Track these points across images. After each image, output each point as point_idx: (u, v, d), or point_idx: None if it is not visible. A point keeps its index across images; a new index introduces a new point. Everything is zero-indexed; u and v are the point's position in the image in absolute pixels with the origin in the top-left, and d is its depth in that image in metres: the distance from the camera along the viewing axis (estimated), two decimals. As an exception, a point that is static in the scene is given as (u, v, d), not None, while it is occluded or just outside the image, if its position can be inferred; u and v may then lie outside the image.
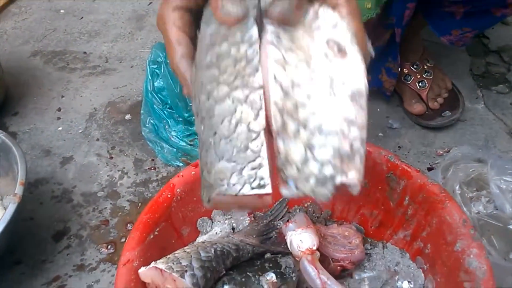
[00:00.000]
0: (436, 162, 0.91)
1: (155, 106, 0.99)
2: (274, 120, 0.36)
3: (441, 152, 0.93)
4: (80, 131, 1.03)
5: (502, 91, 1.05)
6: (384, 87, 0.98)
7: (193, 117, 0.98)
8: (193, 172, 0.69)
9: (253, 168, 0.35)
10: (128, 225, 0.83)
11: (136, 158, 0.96)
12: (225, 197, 0.36)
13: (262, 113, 0.36)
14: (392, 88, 0.98)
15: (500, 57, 1.13)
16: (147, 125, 0.99)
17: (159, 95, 0.99)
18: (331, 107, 0.36)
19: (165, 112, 0.99)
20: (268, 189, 0.35)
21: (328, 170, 0.35)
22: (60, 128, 1.04)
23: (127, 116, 1.05)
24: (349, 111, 0.36)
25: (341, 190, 0.36)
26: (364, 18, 0.77)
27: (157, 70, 1.00)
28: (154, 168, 0.94)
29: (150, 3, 1.41)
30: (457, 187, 0.80)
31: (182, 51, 0.42)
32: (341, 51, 0.38)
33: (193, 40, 0.43)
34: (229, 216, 0.72)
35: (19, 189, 0.72)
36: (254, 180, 0.35)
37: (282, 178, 0.36)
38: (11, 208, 0.69)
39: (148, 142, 0.97)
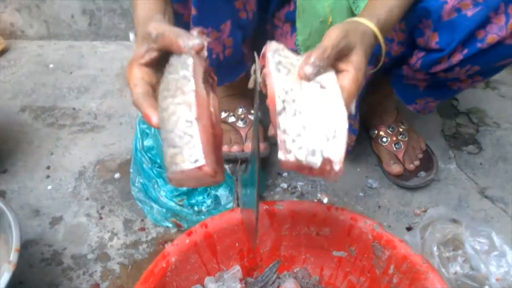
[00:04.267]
0: (414, 221, 0.96)
1: (144, 165, 1.01)
2: (277, 105, 0.51)
3: (418, 212, 0.98)
4: (70, 190, 1.05)
5: (472, 151, 1.13)
6: None
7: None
8: (187, 240, 0.71)
9: (190, 149, 0.48)
10: (120, 288, 0.85)
11: (126, 218, 0.99)
12: (176, 174, 0.49)
13: (194, 108, 0.50)
14: (353, 144, 1.02)
15: (469, 118, 1.22)
16: (136, 184, 1.01)
17: (148, 154, 1.02)
18: (319, 107, 0.52)
19: (154, 171, 1.01)
20: (202, 162, 0.47)
21: (317, 145, 0.49)
22: (49, 187, 1.05)
23: (116, 175, 1.08)
24: (332, 109, 0.52)
25: (326, 167, 0.49)
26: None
27: (147, 130, 1.03)
28: (144, 229, 0.96)
29: (138, 59, 1.46)
30: (435, 248, 0.85)
31: (139, 91, 0.56)
32: (323, 87, 0.54)
33: (153, 86, 0.58)
34: (221, 283, 0.75)
35: (14, 257, 0.72)
36: (191, 157, 0.48)
37: (284, 148, 0.49)
38: (6, 277, 0.70)
39: (137, 201, 1.00)
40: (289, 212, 0.76)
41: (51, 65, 1.47)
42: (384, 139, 1.06)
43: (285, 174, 1.07)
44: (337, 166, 0.49)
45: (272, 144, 1.13)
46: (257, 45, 0.98)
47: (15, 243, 0.75)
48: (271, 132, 0.56)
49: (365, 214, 0.98)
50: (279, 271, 0.80)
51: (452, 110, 1.24)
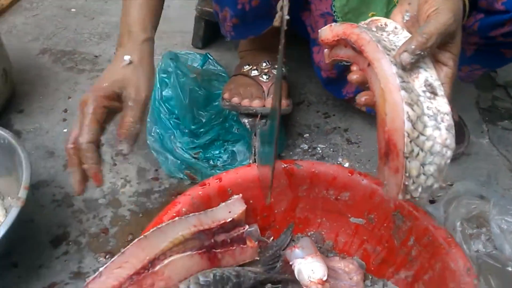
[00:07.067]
0: (438, 195, 0.91)
1: (162, 115, 0.99)
2: (406, 146, 0.47)
3: (443, 185, 0.93)
4: (85, 134, 1.03)
5: (507, 127, 1.06)
6: None
7: (199, 130, 0.98)
8: (200, 192, 0.69)
9: None
10: (129, 236, 0.83)
11: (140, 167, 0.96)
12: None
13: None
14: None
15: (507, 92, 1.14)
16: (152, 134, 0.98)
17: (166, 105, 0.99)
18: (438, 136, 0.48)
19: (171, 122, 0.99)
20: None
21: (430, 181, 0.49)
22: (65, 130, 1.04)
23: (133, 123, 1.05)
24: (447, 139, 0.48)
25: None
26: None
27: (166, 80, 1.00)
28: (157, 179, 0.94)
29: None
30: (458, 224, 0.80)
31: (89, 138, 0.60)
32: (433, 92, 0.50)
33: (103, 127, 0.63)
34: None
35: (22, 193, 0.72)
36: None
37: (403, 189, 0.48)
38: (14, 212, 0.69)
39: (152, 151, 0.97)
40: (308, 173, 0.72)
41: (73, 10, 1.43)
42: (415, 106, 1.00)
43: (306, 135, 1.02)
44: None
45: (295, 103, 1.09)
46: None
47: (24, 181, 0.73)
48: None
49: (387, 183, 0.94)
50: (293, 233, 0.77)
51: (489, 81, 1.17)
